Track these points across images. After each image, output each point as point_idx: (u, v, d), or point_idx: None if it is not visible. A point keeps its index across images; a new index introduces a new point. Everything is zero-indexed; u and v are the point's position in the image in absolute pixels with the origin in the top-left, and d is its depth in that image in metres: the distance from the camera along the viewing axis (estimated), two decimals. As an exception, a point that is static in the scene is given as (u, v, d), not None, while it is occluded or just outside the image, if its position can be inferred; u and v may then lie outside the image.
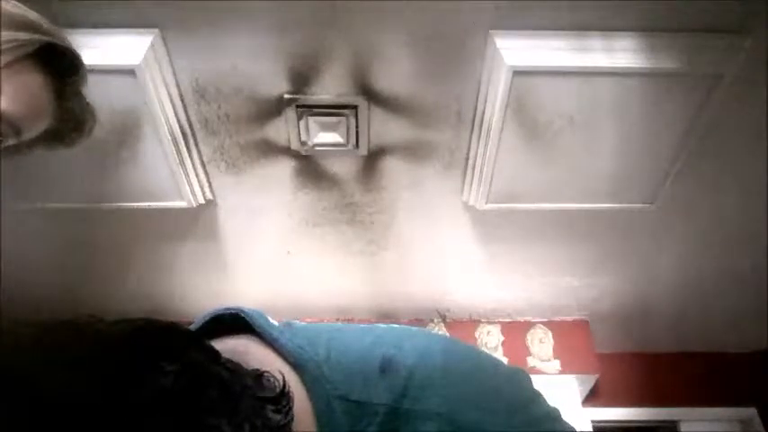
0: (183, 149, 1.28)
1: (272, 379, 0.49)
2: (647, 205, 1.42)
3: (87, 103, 0.89)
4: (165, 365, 0.41)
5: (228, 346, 0.53)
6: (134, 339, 0.43)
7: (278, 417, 0.47)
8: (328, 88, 1.22)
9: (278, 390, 0.48)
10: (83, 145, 1.22)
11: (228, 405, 0.43)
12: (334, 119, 1.26)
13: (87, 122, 0.89)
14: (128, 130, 1.21)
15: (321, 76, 1.20)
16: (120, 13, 1.08)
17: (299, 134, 1.29)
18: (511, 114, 1.20)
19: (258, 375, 0.48)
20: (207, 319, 0.60)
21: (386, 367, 0.57)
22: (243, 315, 0.58)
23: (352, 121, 1.26)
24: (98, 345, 0.42)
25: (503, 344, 1.92)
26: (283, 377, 0.49)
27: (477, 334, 1.94)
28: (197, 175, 1.36)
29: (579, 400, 2.00)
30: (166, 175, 1.30)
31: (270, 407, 0.46)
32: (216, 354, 0.47)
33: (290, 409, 0.48)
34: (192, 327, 0.60)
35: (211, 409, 0.41)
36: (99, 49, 1.09)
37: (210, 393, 0.42)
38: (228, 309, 0.59)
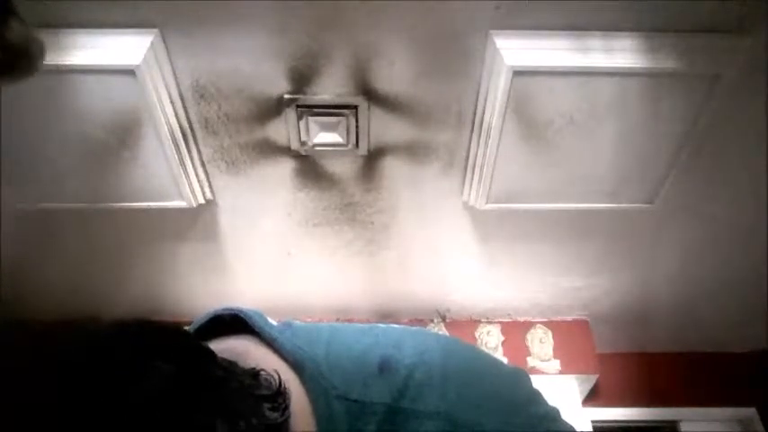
0: (183, 149, 1.28)
1: (268, 377, 0.49)
2: (647, 205, 1.42)
3: (28, 28, 0.84)
4: (160, 366, 0.41)
5: (227, 345, 0.54)
6: (130, 340, 0.43)
7: (275, 414, 0.47)
8: (328, 88, 1.22)
9: (275, 388, 0.48)
10: (83, 145, 1.23)
11: (223, 404, 0.43)
12: (334, 119, 1.26)
13: (31, 48, 0.84)
14: (128, 130, 1.21)
15: (321, 76, 1.20)
16: (120, 13, 1.08)
17: (299, 134, 1.29)
18: (511, 114, 1.20)
19: (255, 374, 0.48)
20: (206, 319, 0.60)
21: (385, 367, 0.57)
22: (242, 315, 0.58)
23: (352, 121, 1.26)
24: (94, 346, 0.42)
25: (503, 344, 1.92)
26: (279, 375, 0.49)
27: (477, 334, 1.94)
28: (197, 175, 1.36)
29: (579, 400, 2.00)
30: (166, 175, 1.30)
31: (266, 405, 0.47)
32: (211, 354, 0.47)
33: (287, 406, 0.48)
34: (192, 327, 0.60)
35: (206, 408, 0.42)
36: (99, 49, 1.09)
37: (205, 393, 0.42)
38: (227, 309, 0.60)
